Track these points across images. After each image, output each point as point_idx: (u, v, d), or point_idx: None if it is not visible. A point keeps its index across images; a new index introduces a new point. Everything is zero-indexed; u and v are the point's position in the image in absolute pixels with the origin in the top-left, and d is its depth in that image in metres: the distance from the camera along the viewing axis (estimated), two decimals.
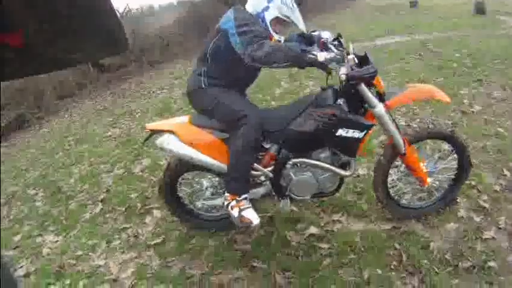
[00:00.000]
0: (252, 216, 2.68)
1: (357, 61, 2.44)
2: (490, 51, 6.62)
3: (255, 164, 2.74)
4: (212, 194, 3.05)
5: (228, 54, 2.59)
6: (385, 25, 10.76)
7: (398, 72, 6.25)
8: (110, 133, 6.15)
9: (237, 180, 2.67)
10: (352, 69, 2.37)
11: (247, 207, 2.69)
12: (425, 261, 2.65)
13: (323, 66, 2.35)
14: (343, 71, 2.32)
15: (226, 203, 2.71)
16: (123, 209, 3.81)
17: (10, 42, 0.55)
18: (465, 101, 4.87)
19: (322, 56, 2.35)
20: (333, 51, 2.48)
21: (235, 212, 2.67)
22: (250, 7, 2.66)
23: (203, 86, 2.71)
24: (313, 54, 2.35)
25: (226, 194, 2.71)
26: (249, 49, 2.40)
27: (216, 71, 2.70)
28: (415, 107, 4.83)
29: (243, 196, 2.70)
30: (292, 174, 2.76)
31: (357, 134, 2.55)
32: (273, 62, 2.40)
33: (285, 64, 2.38)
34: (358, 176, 3.63)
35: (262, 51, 2.37)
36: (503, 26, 8.76)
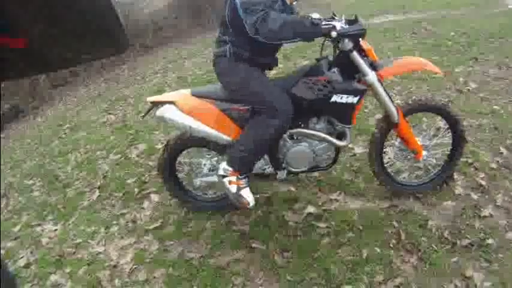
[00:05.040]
0: (249, 197, 2.69)
1: (347, 26, 2.44)
2: (486, 30, 6.57)
3: None
4: (210, 170, 3.06)
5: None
6: (380, 3, 10.68)
7: (393, 51, 6.21)
8: (104, 119, 6.10)
9: (247, 162, 2.67)
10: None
11: (246, 187, 2.69)
12: (424, 239, 2.67)
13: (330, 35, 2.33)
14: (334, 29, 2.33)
15: (222, 174, 2.69)
16: (121, 194, 3.80)
17: (10, 44, 0.55)
18: (461, 79, 4.85)
19: (337, 25, 2.33)
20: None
21: (233, 188, 2.67)
22: None
23: (227, 55, 2.57)
24: (329, 24, 2.32)
25: (227, 167, 2.68)
26: (251, 18, 2.28)
27: (240, 40, 2.52)
28: (410, 85, 4.82)
29: (244, 175, 2.70)
30: (288, 145, 2.78)
31: (351, 99, 2.58)
32: (280, 39, 2.36)
33: (294, 40, 2.33)
34: (355, 154, 3.63)
35: (268, 27, 2.25)
36: (498, 5, 8.69)
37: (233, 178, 2.67)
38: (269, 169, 2.90)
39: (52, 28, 0.59)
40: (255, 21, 2.27)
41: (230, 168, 2.68)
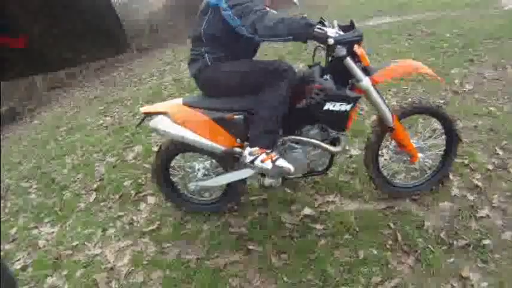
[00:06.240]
0: (287, 164, 2.65)
1: (342, 33, 2.44)
2: (482, 31, 6.57)
3: (246, 143, 2.75)
4: (204, 175, 3.06)
5: (225, 30, 2.55)
6: (376, 4, 10.68)
7: (389, 53, 6.22)
8: (101, 121, 6.10)
9: (270, 133, 2.61)
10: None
11: (279, 157, 2.65)
12: (421, 240, 2.67)
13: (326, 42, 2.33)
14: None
15: (250, 158, 2.62)
16: (117, 196, 3.80)
17: (10, 44, 0.55)
18: (456, 80, 4.85)
19: (332, 32, 2.34)
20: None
21: (268, 164, 2.60)
22: None
23: (209, 63, 2.66)
24: (322, 30, 2.33)
25: (252, 149, 2.63)
26: (249, 19, 2.34)
27: (217, 49, 2.65)
28: (405, 87, 4.82)
29: (271, 149, 2.65)
30: (283, 152, 2.76)
31: (344, 107, 2.55)
32: (274, 36, 2.35)
33: (287, 38, 2.33)
34: (351, 156, 3.64)
35: (263, 24, 2.31)
36: (495, 6, 8.69)
37: (263, 156, 2.61)
38: (267, 180, 2.86)
39: (52, 28, 0.60)
40: (254, 19, 2.33)
41: (255, 148, 2.62)
